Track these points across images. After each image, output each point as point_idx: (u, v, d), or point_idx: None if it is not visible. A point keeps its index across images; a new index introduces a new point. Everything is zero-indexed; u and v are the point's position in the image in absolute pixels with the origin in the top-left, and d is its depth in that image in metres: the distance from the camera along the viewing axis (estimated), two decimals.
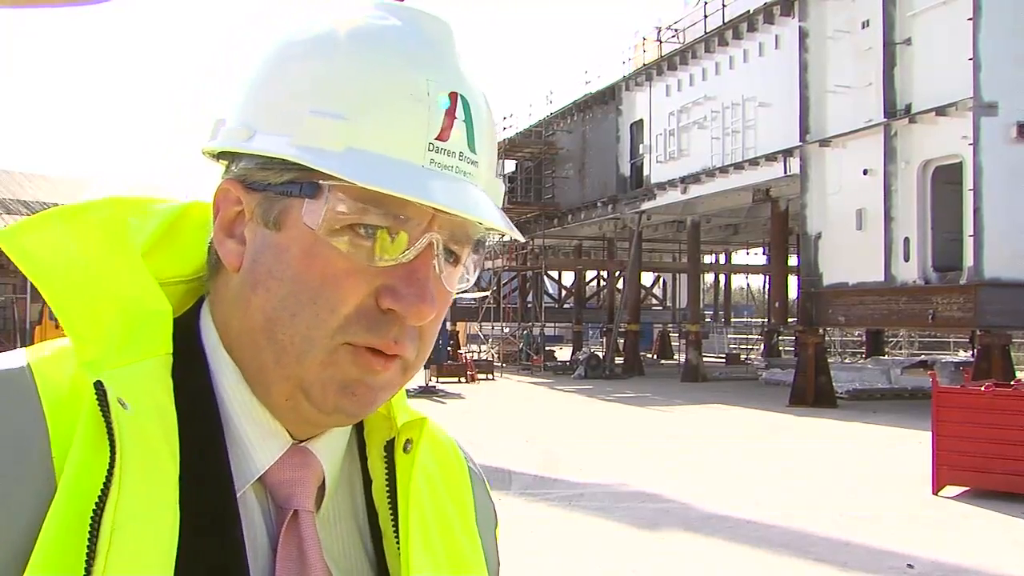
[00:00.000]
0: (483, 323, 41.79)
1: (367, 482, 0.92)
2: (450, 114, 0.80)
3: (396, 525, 0.89)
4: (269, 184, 0.80)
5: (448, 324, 32.44)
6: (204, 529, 0.76)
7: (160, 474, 0.74)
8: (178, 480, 0.75)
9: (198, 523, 0.76)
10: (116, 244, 0.84)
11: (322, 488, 0.87)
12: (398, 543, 0.88)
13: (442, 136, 0.79)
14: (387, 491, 0.90)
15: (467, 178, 0.81)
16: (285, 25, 0.85)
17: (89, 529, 0.70)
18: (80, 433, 0.73)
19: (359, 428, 0.94)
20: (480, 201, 0.80)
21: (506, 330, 41.50)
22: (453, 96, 0.80)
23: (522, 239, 0.88)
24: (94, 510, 0.70)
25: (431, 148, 0.78)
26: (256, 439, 0.83)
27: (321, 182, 0.77)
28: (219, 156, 0.86)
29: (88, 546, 0.69)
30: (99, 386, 0.74)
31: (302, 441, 0.86)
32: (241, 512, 0.81)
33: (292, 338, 0.79)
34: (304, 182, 0.78)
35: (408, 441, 0.91)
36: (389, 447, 0.92)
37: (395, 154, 0.77)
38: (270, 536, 0.83)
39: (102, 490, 0.71)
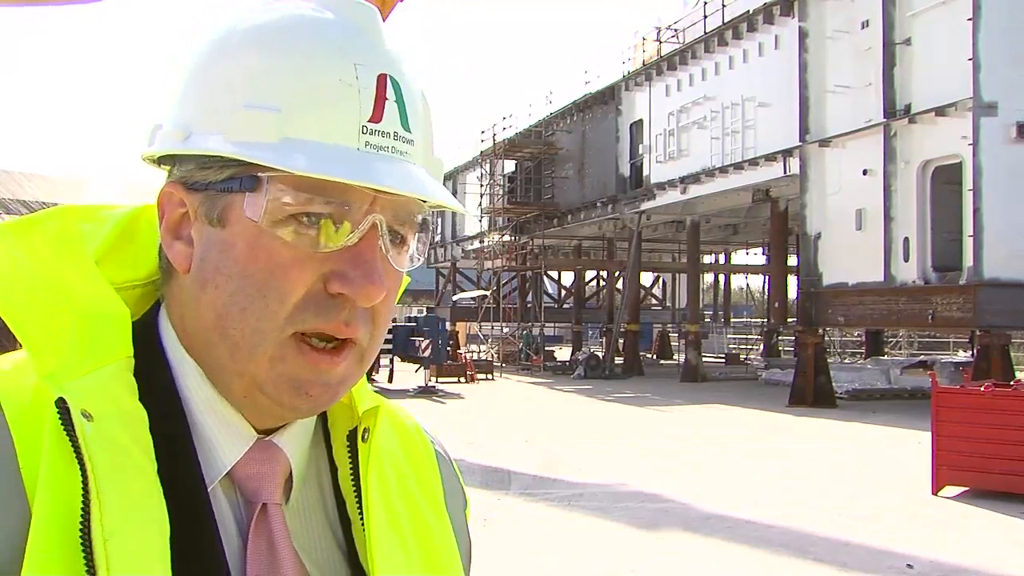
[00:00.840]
0: (483, 323, 41.79)
1: (334, 472, 0.93)
2: (381, 95, 0.81)
3: (363, 512, 0.90)
4: (210, 183, 0.81)
5: (448, 324, 32.44)
6: (182, 525, 0.77)
7: (137, 474, 0.75)
8: (157, 476, 0.76)
9: (176, 519, 0.76)
10: (68, 252, 0.84)
11: (290, 480, 0.88)
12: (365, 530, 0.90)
13: (375, 117, 0.80)
14: (352, 480, 0.91)
15: (404, 157, 0.82)
16: (210, 27, 0.85)
17: (81, 545, 0.70)
18: (47, 451, 0.73)
19: (324, 419, 0.95)
20: (419, 177, 0.81)
21: (506, 330, 41.47)
22: (382, 78, 0.81)
23: (464, 211, 0.89)
24: (81, 526, 0.70)
25: (365, 131, 0.79)
26: (221, 436, 0.84)
27: (259, 175, 0.78)
28: (160, 161, 0.87)
29: (85, 560, 0.70)
30: (61, 403, 0.74)
31: (268, 435, 0.87)
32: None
33: (243, 332, 0.80)
34: (243, 176, 0.79)
35: (366, 430, 0.92)
36: (352, 436, 0.93)
37: (330, 139, 0.78)
38: (240, 530, 0.84)
39: (83, 506, 0.71)
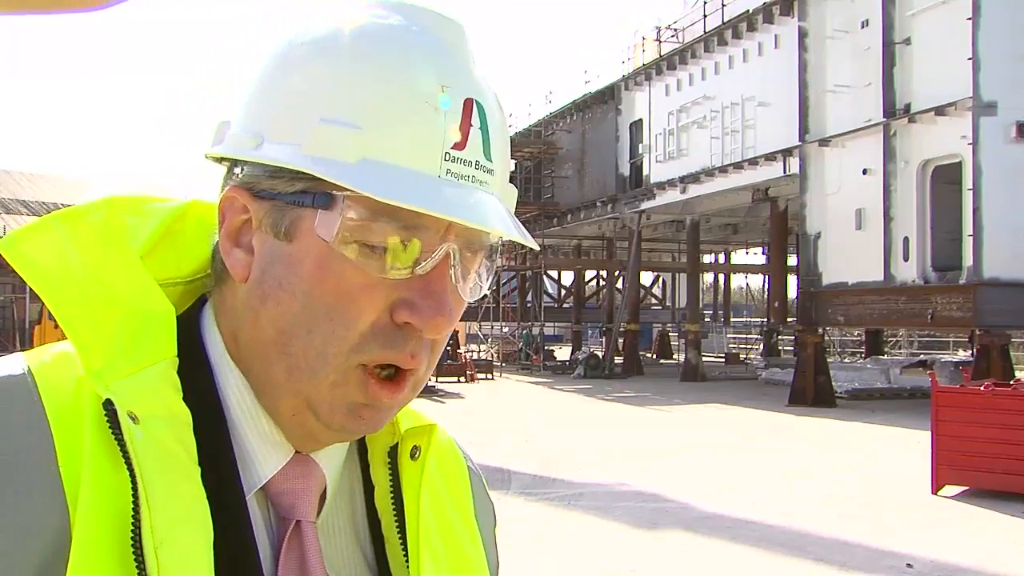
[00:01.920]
0: (482, 322, 41.78)
1: (367, 488, 0.91)
2: (466, 122, 0.78)
3: (401, 532, 0.89)
4: (278, 193, 0.78)
5: None
6: (222, 535, 0.75)
7: (185, 479, 0.74)
8: (200, 478, 0.74)
9: (217, 527, 0.75)
10: (114, 246, 0.82)
11: (322, 497, 0.87)
12: (404, 550, 0.88)
13: (459, 145, 0.77)
14: (392, 498, 0.90)
15: (483, 187, 0.79)
16: (288, 26, 0.82)
17: (133, 552, 0.69)
18: (90, 452, 0.71)
19: None
20: (497, 212, 0.78)
21: (505, 330, 41.49)
22: (469, 103, 0.78)
23: (537, 247, 0.86)
24: (132, 536, 0.69)
25: (447, 158, 0.76)
26: (260, 448, 0.82)
27: (335, 193, 0.75)
28: (221, 159, 0.85)
29: (138, 568, 0.69)
30: (108, 405, 0.72)
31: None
32: None
33: (307, 353, 0.78)
34: (317, 192, 0.76)
35: (416, 448, 0.90)
36: (393, 453, 0.91)
37: (411, 165, 0.75)
38: (272, 546, 0.82)
39: (133, 514, 0.70)
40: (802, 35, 23.97)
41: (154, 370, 0.77)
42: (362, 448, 0.93)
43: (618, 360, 35.12)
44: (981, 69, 18.90)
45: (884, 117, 21.25)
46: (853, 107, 22.21)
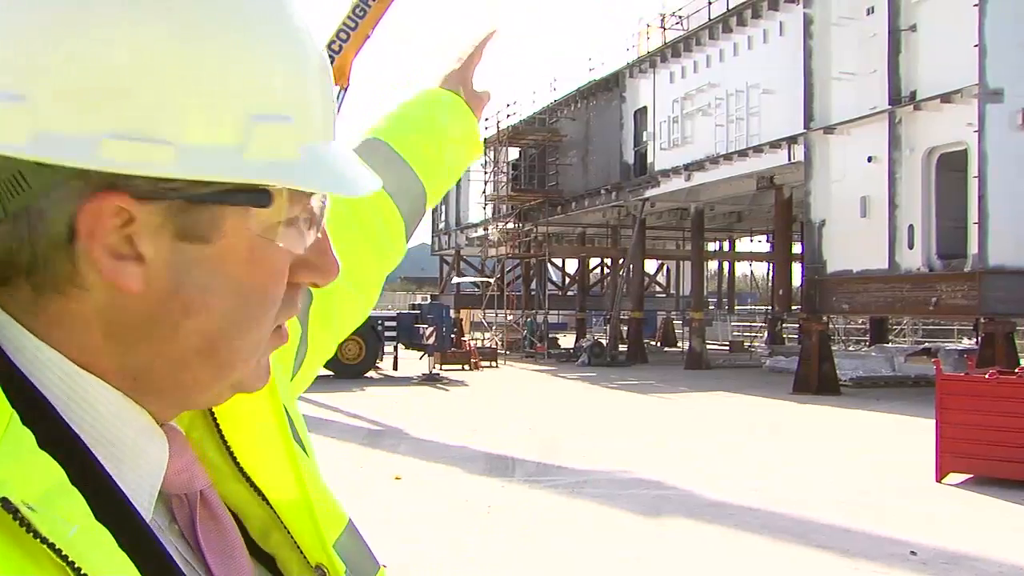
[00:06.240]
0: (487, 310, 41.80)
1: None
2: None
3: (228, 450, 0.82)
4: (180, 193, 0.64)
5: (452, 311, 32.46)
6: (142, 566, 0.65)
7: (106, 551, 0.63)
8: (119, 547, 0.63)
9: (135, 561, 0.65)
10: None
11: None
12: (241, 470, 0.82)
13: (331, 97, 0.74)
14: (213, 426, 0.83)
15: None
16: None
17: None
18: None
19: None
20: (364, 166, 0.76)
21: (510, 317, 41.48)
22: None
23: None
24: None
25: (333, 114, 0.74)
26: (144, 447, 0.71)
27: (271, 190, 0.67)
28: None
29: None
30: (7, 504, 0.57)
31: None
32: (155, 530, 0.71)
33: (239, 349, 0.71)
34: (252, 191, 0.66)
35: None
36: None
37: (326, 138, 0.71)
38: (186, 537, 0.75)
39: None
40: (807, 22, 23.87)
41: (9, 437, 0.60)
42: None
43: (622, 348, 35.14)
44: (987, 56, 18.81)
45: (889, 104, 21.18)
46: (858, 94, 22.14)
